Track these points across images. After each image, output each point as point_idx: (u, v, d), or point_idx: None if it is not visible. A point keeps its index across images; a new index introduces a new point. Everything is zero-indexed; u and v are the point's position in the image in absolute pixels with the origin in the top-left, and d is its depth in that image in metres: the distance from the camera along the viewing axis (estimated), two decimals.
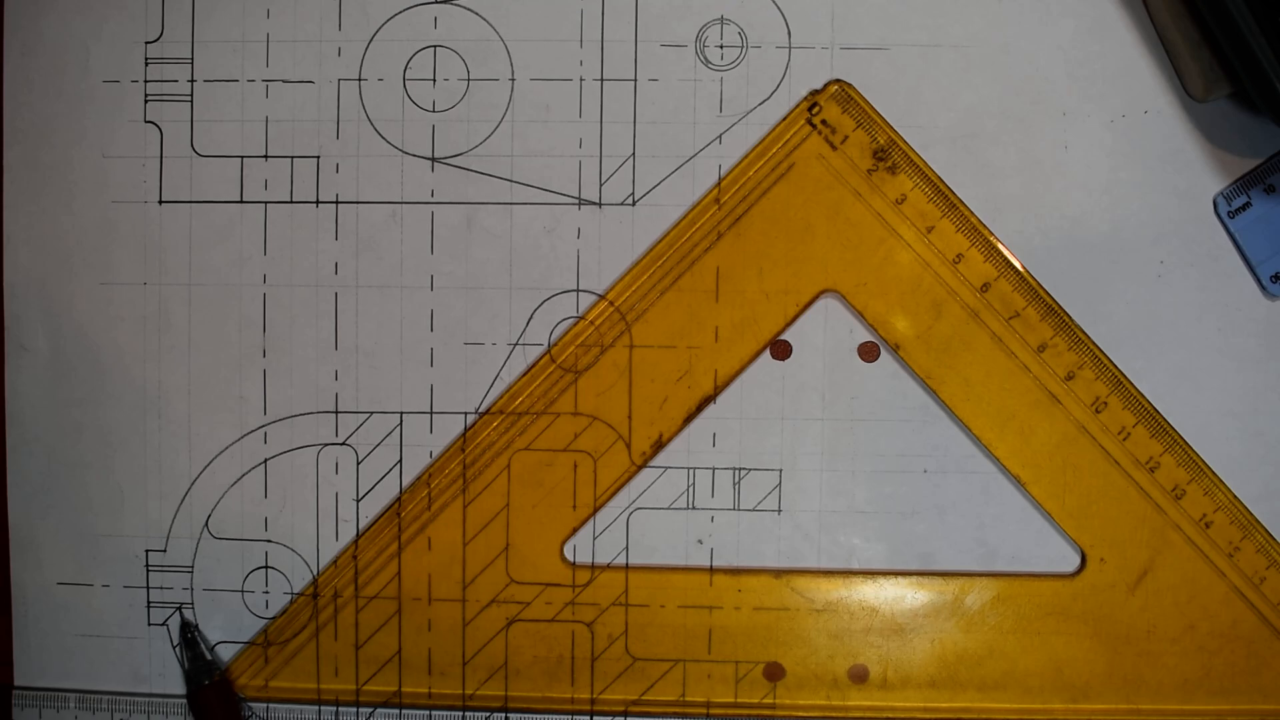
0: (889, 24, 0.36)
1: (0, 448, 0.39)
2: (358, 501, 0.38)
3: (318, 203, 0.37)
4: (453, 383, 0.37)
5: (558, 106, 0.37)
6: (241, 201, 0.37)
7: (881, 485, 0.37)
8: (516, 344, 0.37)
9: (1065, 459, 0.36)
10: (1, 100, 0.38)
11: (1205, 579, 0.37)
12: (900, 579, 0.37)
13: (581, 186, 0.37)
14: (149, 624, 0.38)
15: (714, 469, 0.37)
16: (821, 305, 0.37)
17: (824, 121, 0.36)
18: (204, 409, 0.38)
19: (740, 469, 0.37)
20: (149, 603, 0.38)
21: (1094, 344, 0.36)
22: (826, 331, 0.37)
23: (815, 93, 0.36)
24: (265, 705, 0.38)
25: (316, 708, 0.38)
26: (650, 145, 0.37)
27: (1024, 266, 0.36)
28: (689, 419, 0.37)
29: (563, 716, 0.38)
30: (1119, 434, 0.36)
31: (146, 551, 0.38)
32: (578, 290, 0.37)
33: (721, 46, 0.36)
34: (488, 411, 0.37)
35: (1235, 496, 0.36)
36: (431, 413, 0.37)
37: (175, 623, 0.38)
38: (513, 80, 0.37)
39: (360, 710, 0.38)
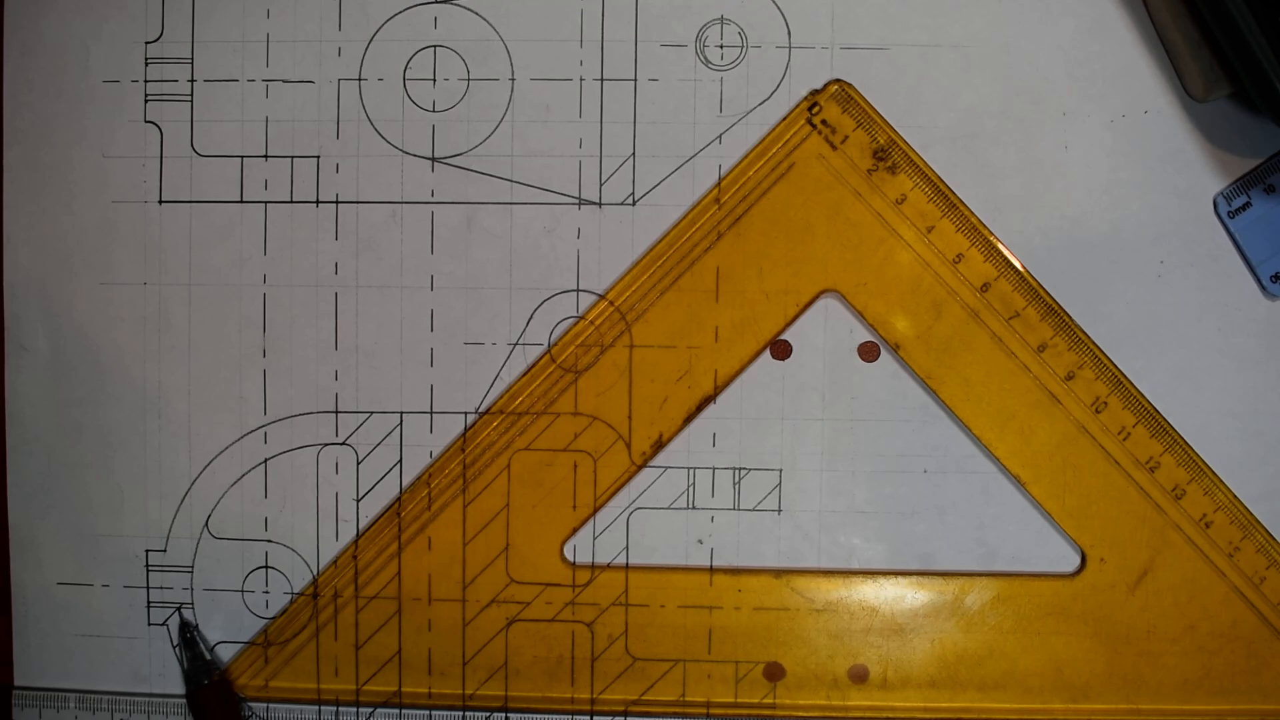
0: (889, 24, 0.36)
1: (0, 448, 0.39)
2: (358, 501, 0.38)
3: (318, 203, 0.37)
4: (453, 383, 0.37)
5: (558, 106, 0.37)
6: (241, 201, 0.37)
7: (881, 485, 0.37)
8: (516, 344, 0.37)
9: (1065, 459, 0.36)
10: (1, 100, 0.38)
11: (1205, 579, 0.37)
12: (900, 579, 0.37)
13: (581, 186, 0.37)
14: (149, 624, 0.38)
15: (714, 469, 0.37)
16: (821, 305, 0.37)
17: (824, 121, 0.36)
18: (204, 409, 0.38)
19: (740, 469, 0.37)
20: (149, 603, 0.38)
21: (1094, 344, 0.36)
22: (826, 331, 0.37)
23: (815, 93, 0.36)
24: (265, 705, 0.38)
25: (316, 708, 0.38)
26: (650, 145, 0.37)
27: (1024, 266, 0.36)
28: (689, 419, 0.37)
29: (563, 716, 0.38)
30: (1119, 434, 0.36)
31: (146, 551, 0.38)
32: (578, 290, 0.37)
33: (721, 46, 0.36)
34: (488, 411, 0.37)
35: (1235, 496, 0.36)
36: (431, 413, 0.37)
37: (175, 623, 0.38)
38: (513, 80, 0.37)
39: (360, 710, 0.38)
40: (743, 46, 0.36)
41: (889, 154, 0.36)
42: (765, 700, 0.37)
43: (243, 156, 0.37)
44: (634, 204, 0.37)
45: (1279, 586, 0.36)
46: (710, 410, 0.37)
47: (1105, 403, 0.36)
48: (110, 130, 0.37)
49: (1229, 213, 0.36)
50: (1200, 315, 0.36)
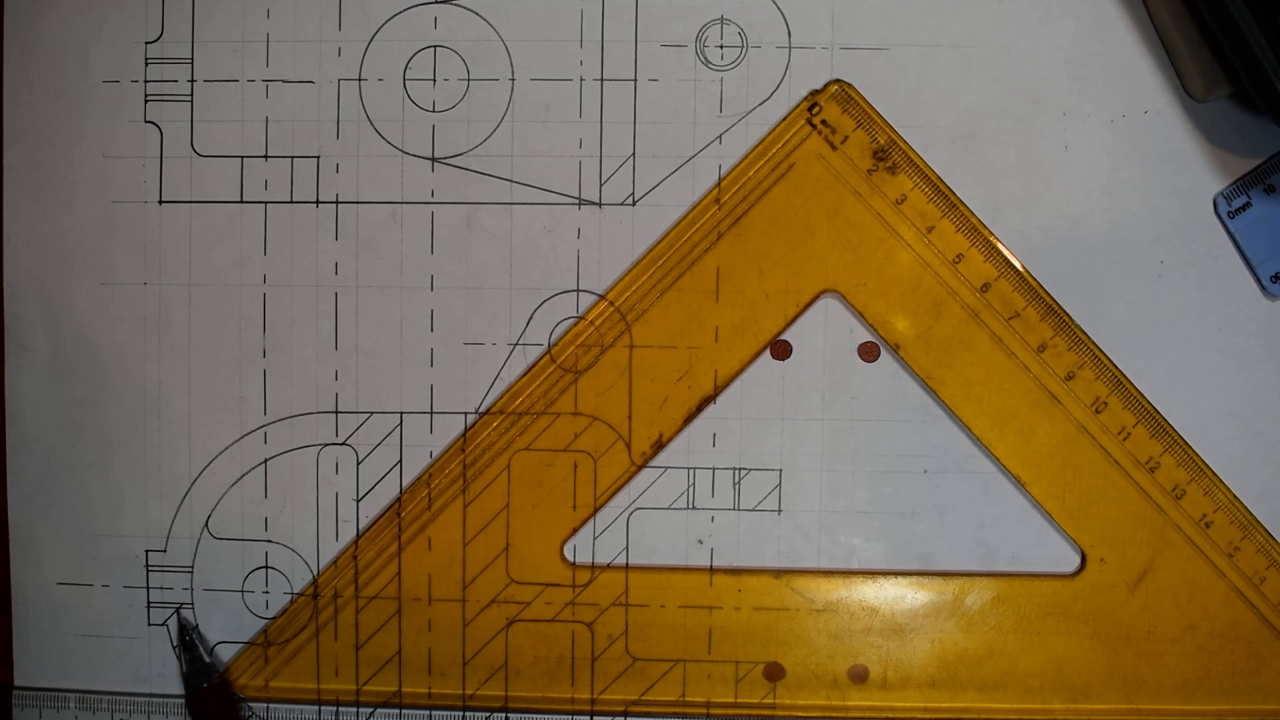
0: (889, 24, 0.36)
1: (0, 448, 0.39)
2: (358, 501, 0.38)
3: (318, 203, 0.37)
4: (453, 383, 0.37)
5: (558, 106, 0.37)
6: (241, 201, 0.37)
7: (881, 485, 0.37)
8: (516, 344, 0.37)
9: (1065, 459, 0.36)
10: (1, 100, 0.38)
11: (1205, 579, 0.37)
12: (900, 579, 0.37)
13: (581, 186, 0.37)
14: (149, 624, 0.38)
15: (714, 469, 0.37)
16: (821, 305, 0.37)
17: (824, 121, 0.36)
18: (204, 409, 0.38)
19: (740, 469, 0.37)
20: (149, 603, 0.38)
21: (1094, 344, 0.36)
22: (826, 331, 0.37)
23: (815, 93, 0.36)
24: (265, 705, 0.38)
25: (316, 708, 0.38)
26: (650, 145, 0.37)
27: (1024, 266, 0.36)
28: (689, 419, 0.37)
29: (563, 716, 0.38)
30: (1119, 434, 0.36)
31: (146, 551, 0.38)
32: (578, 290, 0.37)
33: (721, 46, 0.36)
34: (488, 412, 0.37)
35: (1235, 496, 0.36)
36: (431, 413, 0.37)
37: (175, 623, 0.38)
38: (513, 80, 0.37)
39: (360, 710, 0.38)
40: (743, 47, 0.36)
41: (889, 154, 0.36)
42: (765, 700, 0.37)
43: (243, 156, 0.37)
44: (634, 204, 0.37)
45: (1279, 586, 0.36)
46: (710, 410, 0.37)
47: (1105, 403, 0.36)
48: (110, 130, 0.37)
49: (1229, 213, 0.36)
50: (1200, 315, 0.36)
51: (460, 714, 0.38)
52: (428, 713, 0.38)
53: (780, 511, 0.37)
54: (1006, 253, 0.36)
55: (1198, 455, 0.36)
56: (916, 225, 0.36)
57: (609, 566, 0.37)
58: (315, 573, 0.38)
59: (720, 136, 0.36)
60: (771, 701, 0.37)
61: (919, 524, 0.37)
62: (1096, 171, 0.36)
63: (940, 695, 0.37)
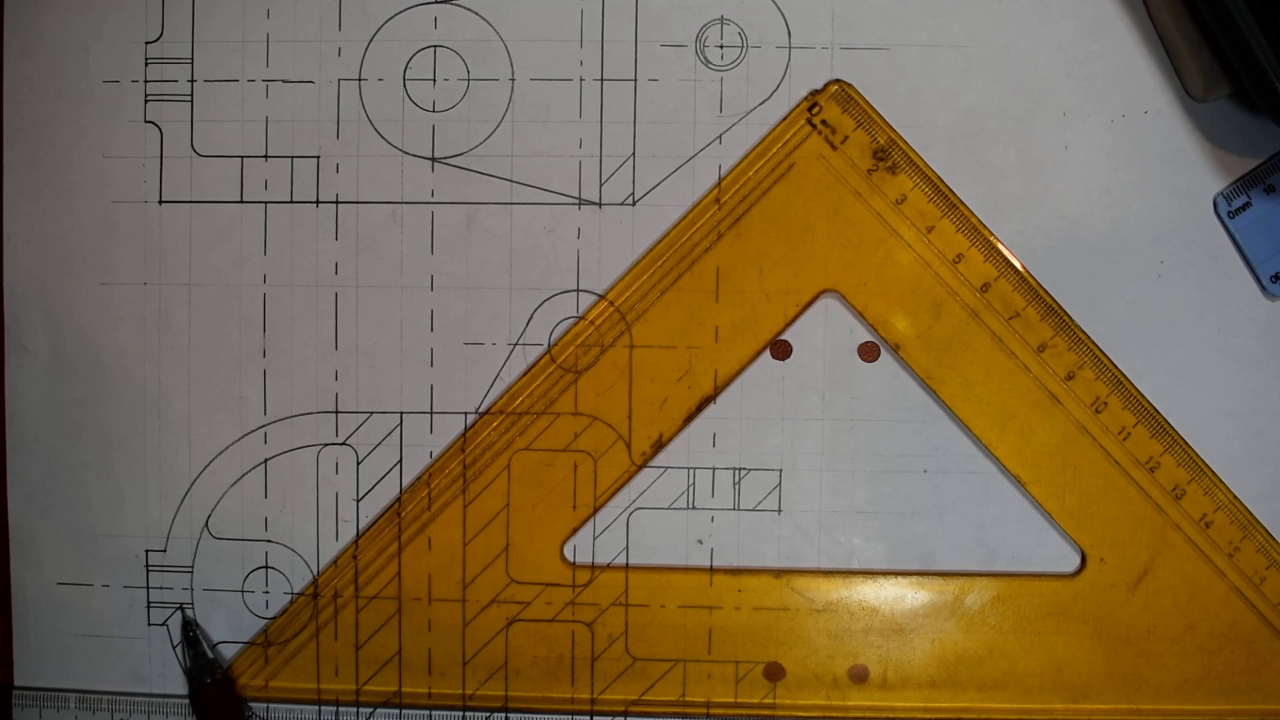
0: (889, 24, 0.36)
1: (0, 448, 0.39)
2: (358, 501, 0.38)
3: (318, 203, 0.37)
4: (453, 383, 0.37)
5: (558, 106, 0.37)
6: (241, 201, 0.37)
7: (881, 485, 0.37)
8: (516, 344, 0.37)
9: (1065, 459, 0.36)
10: (1, 100, 0.38)
11: (1205, 579, 0.37)
12: (900, 579, 0.37)
13: (581, 186, 0.37)
14: (149, 624, 0.38)
15: (714, 469, 0.37)
16: (821, 305, 0.37)
17: (824, 121, 0.36)
18: (204, 409, 0.38)
19: (740, 469, 0.37)
20: (149, 603, 0.38)
21: (1094, 344, 0.36)
22: (826, 331, 0.37)
23: (815, 93, 0.36)
24: (265, 705, 0.38)
25: (316, 708, 0.38)
26: (650, 145, 0.37)
27: (1024, 266, 0.36)
28: (689, 419, 0.37)
29: (563, 716, 0.38)
30: (1119, 434, 0.36)
31: (146, 551, 0.38)
32: (578, 290, 0.37)
33: (721, 46, 0.36)
34: (488, 411, 0.37)
35: (1235, 496, 0.36)
36: (431, 413, 0.37)
37: (176, 622, 0.38)
38: (513, 80, 0.37)
39: (360, 710, 0.38)
40: (743, 47, 0.36)
41: (889, 154, 0.36)
42: (765, 700, 0.37)
43: (243, 156, 0.37)
44: (634, 204, 0.37)
45: (1279, 586, 0.36)
46: (710, 410, 0.37)
47: (1105, 403, 0.36)
48: (110, 130, 0.37)
49: (1229, 213, 0.36)
50: (1200, 315, 0.36)
51: (460, 714, 0.38)
52: (428, 713, 0.38)
53: (780, 511, 0.37)
54: (1006, 253, 0.36)
55: (1198, 455, 0.36)
56: (916, 225, 0.36)
57: (609, 566, 0.37)
58: (315, 573, 0.38)
59: (720, 136, 0.36)
60: (771, 701, 0.37)
61: (919, 524, 0.37)
62: (1096, 171, 0.36)
63: (940, 695, 0.37)
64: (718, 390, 0.37)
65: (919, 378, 0.37)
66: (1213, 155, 0.36)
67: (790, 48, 0.36)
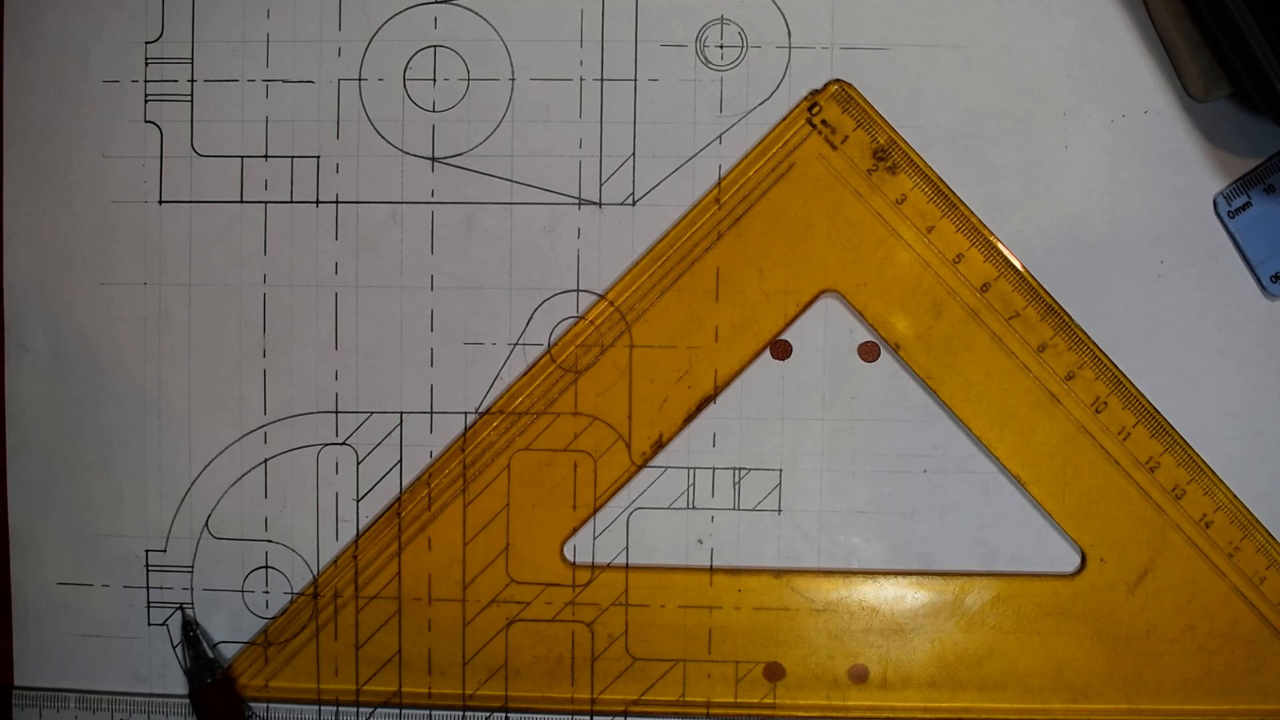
0: (889, 24, 0.36)
1: (0, 448, 0.39)
2: (358, 501, 0.38)
3: (318, 203, 0.37)
4: (453, 383, 0.37)
5: (558, 106, 0.37)
6: (241, 201, 0.37)
7: (881, 485, 0.37)
8: (516, 344, 0.37)
9: (1065, 459, 0.36)
10: (1, 100, 0.38)
11: (1205, 579, 0.37)
12: (900, 579, 0.37)
13: (582, 186, 0.37)
14: (149, 624, 0.38)
15: (714, 469, 0.37)
16: (821, 305, 0.37)
17: (824, 121, 0.36)
18: (204, 409, 0.38)
19: (740, 469, 0.37)
20: (149, 603, 0.38)
21: (1094, 344, 0.36)
22: (826, 331, 0.37)
23: (815, 93, 0.36)
24: (265, 705, 0.38)
25: (316, 708, 0.38)
26: (650, 145, 0.37)
27: (1024, 266, 0.36)
28: (689, 419, 0.37)
29: (563, 716, 0.38)
30: (1119, 434, 0.36)
31: (146, 551, 0.38)
32: (578, 290, 0.37)
33: (721, 46, 0.36)
34: (488, 411, 0.37)
35: (1235, 496, 0.36)
36: (431, 413, 0.37)
37: (176, 622, 0.38)
38: (513, 80, 0.37)
39: (360, 710, 0.38)
40: (743, 46, 0.36)
41: (889, 154, 0.36)
42: (765, 700, 0.37)
43: (243, 156, 0.37)
44: (634, 204, 0.37)
45: (1279, 586, 0.36)
46: (710, 410, 0.37)
47: (1105, 403, 0.36)
48: (110, 130, 0.37)
49: (1229, 213, 0.36)
50: (1200, 315, 0.36)
51: (460, 714, 0.38)
52: (428, 713, 0.38)
53: (780, 511, 0.37)
54: (1006, 253, 0.36)
55: (1198, 455, 0.36)
56: (916, 225, 0.36)
57: (609, 566, 0.37)
58: (315, 572, 0.38)
59: (720, 136, 0.36)
60: (771, 701, 0.37)
61: (919, 524, 0.37)
62: (1096, 171, 0.36)
63: (940, 695, 0.37)
64: (718, 390, 0.37)
65: (919, 378, 0.37)
66: (1213, 155, 0.36)
67: (790, 48, 0.36)
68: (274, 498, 0.38)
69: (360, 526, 0.38)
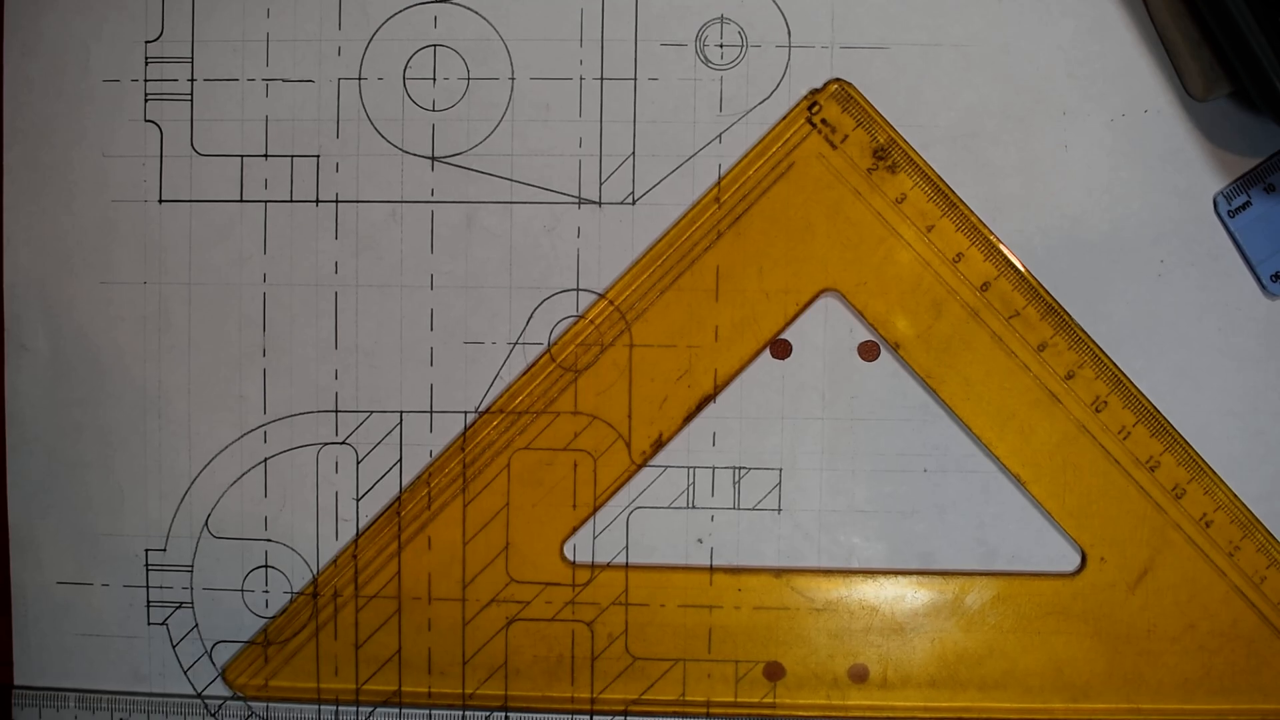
0: (889, 23, 0.36)
1: (0, 447, 0.39)
2: (357, 501, 0.38)
3: (318, 202, 0.37)
4: (452, 382, 0.37)
5: (558, 105, 0.37)
6: (241, 201, 0.37)
7: (881, 484, 0.37)
8: (516, 343, 0.37)
9: (1065, 458, 0.36)
10: (1, 100, 0.38)
11: (1206, 578, 0.37)
12: (900, 578, 0.37)
13: (581, 185, 0.37)
14: (149, 623, 0.38)
15: (714, 468, 0.37)
16: (821, 304, 0.37)
17: (824, 121, 0.36)
18: (204, 408, 0.38)
19: (740, 468, 0.37)
20: (149, 602, 0.38)
21: (1094, 343, 0.36)
22: (826, 331, 0.37)
23: (815, 92, 0.36)
24: (265, 705, 0.38)
25: (316, 707, 0.38)
26: (650, 144, 0.37)
27: (1024, 266, 0.36)
28: (689, 418, 0.37)
29: (563, 716, 0.38)
30: (1119, 433, 0.36)
31: (146, 551, 0.38)
32: (578, 289, 0.37)
33: (721, 45, 0.36)
34: (487, 411, 0.37)
35: (1235, 496, 0.36)
36: (431, 412, 0.37)
37: (176, 621, 0.38)
38: (513, 79, 0.37)
39: (360, 709, 0.38)
40: (743, 46, 0.36)
41: (889, 153, 0.36)
42: (765, 700, 0.37)
43: (243, 156, 0.37)
44: (634, 203, 0.37)
45: (1279, 586, 0.36)
46: (710, 409, 0.37)
47: (1105, 402, 0.36)
48: (110, 130, 0.37)
49: (1229, 212, 0.36)
50: (1200, 314, 0.36)
51: (460, 713, 0.38)
52: (427, 712, 0.38)
53: (780, 511, 0.37)
54: (1006, 252, 0.36)
55: (1198, 454, 0.36)
56: (916, 224, 0.36)
57: (609, 566, 0.37)
58: (315, 572, 0.38)
59: (720, 135, 0.36)
60: (771, 701, 0.37)
61: (919, 523, 0.37)
62: (1096, 171, 0.36)
63: (940, 695, 0.37)
64: (717, 389, 0.37)
65: (919, 377, 0.37)
66: (1213, 154, 0.36)
67: (790, 47, 0.36)
68: (274, 497, 0.38)
69: (360, 526, 0.38)
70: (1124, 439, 0.36)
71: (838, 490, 0.37)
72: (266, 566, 0.38)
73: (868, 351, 0.37)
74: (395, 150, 0.37)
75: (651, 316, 0.37)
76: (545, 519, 0.37)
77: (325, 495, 0.38)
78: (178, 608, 0.38)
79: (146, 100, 0.37)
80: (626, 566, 0.37)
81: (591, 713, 0.38)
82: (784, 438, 0.37)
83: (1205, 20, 0.34)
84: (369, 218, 0.37)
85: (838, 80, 0.36)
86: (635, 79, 0.36)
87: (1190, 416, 0.36)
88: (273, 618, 0.38)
